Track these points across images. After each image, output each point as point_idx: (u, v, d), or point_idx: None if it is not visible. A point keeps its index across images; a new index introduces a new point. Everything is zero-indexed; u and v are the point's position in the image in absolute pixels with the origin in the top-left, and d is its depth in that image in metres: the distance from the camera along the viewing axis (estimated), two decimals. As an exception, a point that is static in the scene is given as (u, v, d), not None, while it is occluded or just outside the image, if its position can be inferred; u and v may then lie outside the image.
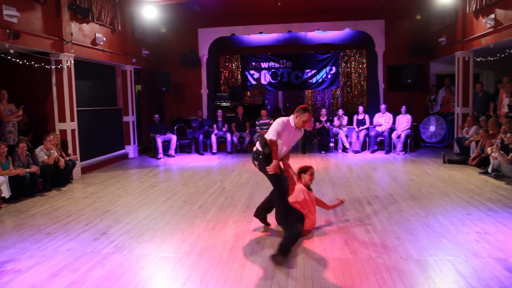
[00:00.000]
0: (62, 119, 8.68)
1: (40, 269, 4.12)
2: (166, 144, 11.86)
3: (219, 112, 12.54)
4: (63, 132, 8.66)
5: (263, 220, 5.34)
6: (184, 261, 4.24)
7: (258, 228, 5.25)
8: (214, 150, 12.10)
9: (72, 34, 8.78)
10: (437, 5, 11.26)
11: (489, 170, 8.07)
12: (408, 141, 11.39)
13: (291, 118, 4.99)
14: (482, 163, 8.74)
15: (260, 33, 13.64)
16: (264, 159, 4.91)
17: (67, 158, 8.34)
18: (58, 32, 8.42)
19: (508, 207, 5.88)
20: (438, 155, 10.56)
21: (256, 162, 5.06)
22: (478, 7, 9.61)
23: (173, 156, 11.65)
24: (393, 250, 4.39)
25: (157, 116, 12.10)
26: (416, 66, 12.45)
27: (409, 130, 11.37)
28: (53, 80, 8.53)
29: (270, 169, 4.78)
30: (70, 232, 5.27)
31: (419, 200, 6.42)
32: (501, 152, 7.85)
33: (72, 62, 8.79)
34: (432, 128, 11.99)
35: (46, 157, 7.72)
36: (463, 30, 10.59)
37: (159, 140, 11.58)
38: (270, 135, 4.85)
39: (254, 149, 5.09)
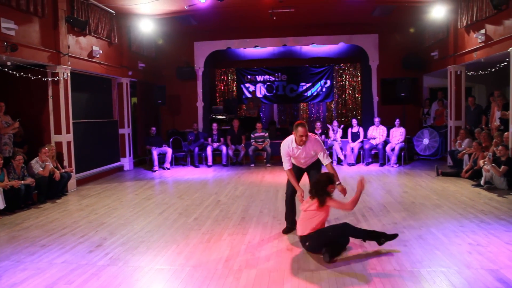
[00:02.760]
0: (58, 131, 8.70)
1: (34, 282, 4.12)
2: (162, 157, 11.88)
3: (214, 125, 12.59)
4: (58, 144, 8.68)
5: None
6: (179, 273, 4.26)
7: (253, 241, 5.27)
8: (210, 163, 12.13)
9: (69, 47, 8.85)
10: (429, 20, 11.45)
11: (482, 182, 8.16)
12: (402, 154, 11.48)
13: (292, 137, 5.23)
14: (475, 175, 8.83)
15: (256, 46, 13.79)
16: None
17: (63, 170, 8.34)
18: (55, 45, 8.49)
19: (500, 219, 5.95)
20: (431, 167, 10.65)
21: None
22: (469, 22, 9.80)
23: (169, 169, 11.67)
24: (387, 262, 4.43)
25: (154, 128, 12.14)
26: (409, 79, 12.60)
27: (403, 143, 11.48)
28: (50, 92, 8.57)
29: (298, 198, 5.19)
30: (65, 244, 5.27)
31: (412, 212, 6.47)
32: (493, 164, 7.94)
33: (69, 74, 8.85)
34: (425, 141, 12.10)
35: (41, 169, 7.73)
36: (455, 45, 10.78)
37: (155, 153, 11.61)
38: (284, 165, 5.30)
39: None
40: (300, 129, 5.06)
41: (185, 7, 10.38)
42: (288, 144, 5.22)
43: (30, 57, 7.79)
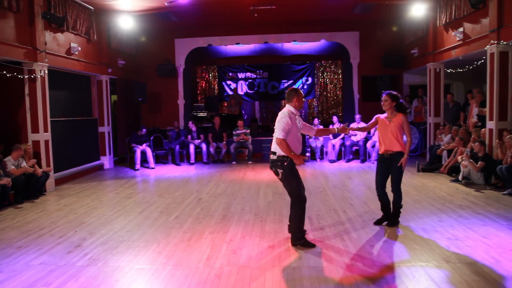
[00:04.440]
0: (35, 130, 8.51)
1: (10, 285, 4.02)
2: (143, 155, 11.73)
3: (190, 123, 12.50)
4: (36, 143, 8.49)
5: None
6: (160, 273, 4.21)
7: (235, 239, 5.25)
8: (192, 161, 12.05)
9: (46, 44, 8.67)
10: (409, 18, 11.59)
11: (460, 178, 8.31)
12: (383, 150, 11.58)
13: (289, 107, 4.90)
14: (453, 171, 8.98)
15: (237, 43, 13.76)
16: (289, 166, 4.75)
17: (40, 170, 8.15)
18: (32, 41, 8.30)
19: (477, 213, 6.06)
20: (411, 164, 10.78)
21: (280, 171, 4.80)
22: (447, 20, 9.95)
23: (153, 168, 11.49)
24: (367, 257, 4.46)
25: (144, 130, 11.93)
26: (390, 77, 12.76)
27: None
28: (26, 90, 8.38)
29: (298, 163, 4.76)
30: (42, 245, 5.16)
31: (393, 208, 6.54)
32: (470, 160, 8.09)
33: (46, 71, 8.66)
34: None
35: (13, 167, 7.54)
36: (434, 43, 10.93)
37: (138, 151, 11.45)
38: (278, 133, 4.71)
39: (273, 157, 4.84)
40: (300, 91, 4.99)
41: (166, 4, 10.27)
42: (292, 112, 4.85)
43: (5, 54, 7.59)
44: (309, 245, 4.84)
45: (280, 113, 4.90)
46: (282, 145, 4.69)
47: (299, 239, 4.88)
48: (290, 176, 4.81)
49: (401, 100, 5.52)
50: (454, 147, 9.37)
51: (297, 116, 4.94)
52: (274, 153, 4.83)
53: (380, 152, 5.70)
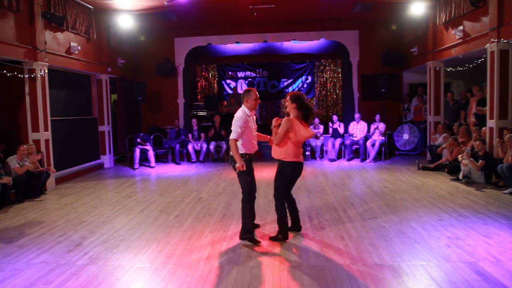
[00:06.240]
0: (36, 129, 8.51)
1: (11, 283, 4.02)
2: (143, 154, 11.72)
3: (194, 121, 12.53)
4: (36, 142, 8.47)
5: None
6: (160, 271, 4.22)
7: (235, 237, 5.25)
8: (193, 159, 12.06)
9: (46, 43, 8.66)
10: (409, 17, 11.58)
11: (460, 176, 8.31)
12: (383, 149, 11.61)
13: (244, 108, 5.03)
14: (453, 170, 8.99)
15: (237, 42, 13.76)
16: (247, 162, 4.97)
17: (41, 169, 8.15)
18: (32, 41, 8.30)
19: (478, 212, 6.07)
20: (411, 162, 10.81)
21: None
22: (447, 18, 9.95)
23: (154, 167, 11.50)
24: (368, 256, 4.46)
25: (143, 139, 11.87)
26: (389, 75, 12.75)
27: (383, 138, 11.60)
28: (26, 89, 8.38)
29: (238, 167, 4.89)
30: (43, 244, 5.17)
31: (393, 207, 6.55)
32: (471, 159, 8.09)
33: (46, 71, 8.66)
34: (405, 136, 12.25)
35: (17, 165, 7.55)
36: (434, 41, 10.93)
37: (138, 150, 11.45)
38: (232, 134, 4.91)
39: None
40: (253, 91, 5.03)
41: (165, 3, 10.25)
42: (246, 113, 4.97)
43: (5, 53, 7.58)
44: (254, 241, 5.00)
45: (236, 115, 5.01)
46: (232, 145, 4.89)
47: (246, 233, 5.06)
48: (246, 171, 4.96)
49: (303, 101, 4.94)
50: (449, 147, 9.38)
51: (251, 118, 5.06)
52: None
53: None
